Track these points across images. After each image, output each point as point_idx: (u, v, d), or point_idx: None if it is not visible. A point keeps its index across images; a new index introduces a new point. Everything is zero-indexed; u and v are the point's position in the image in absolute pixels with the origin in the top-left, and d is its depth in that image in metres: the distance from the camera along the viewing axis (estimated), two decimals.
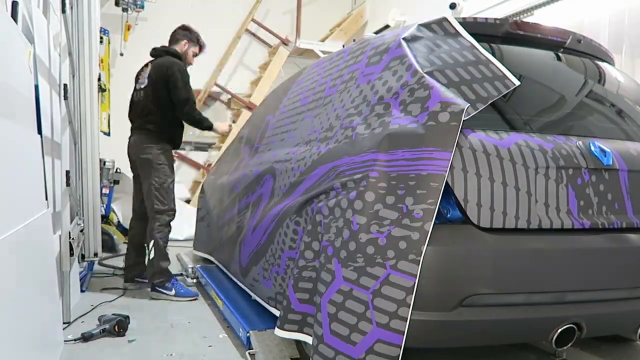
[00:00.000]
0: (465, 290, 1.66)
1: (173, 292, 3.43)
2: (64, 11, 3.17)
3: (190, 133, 7.21)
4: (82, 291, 3.53)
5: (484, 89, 1.81)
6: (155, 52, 3.67)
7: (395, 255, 1.61)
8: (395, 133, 1.77)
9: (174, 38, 3.72)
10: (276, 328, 1.98)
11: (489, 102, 1.76)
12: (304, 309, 1.89)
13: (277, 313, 2.27)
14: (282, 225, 2.20)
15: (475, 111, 1.73)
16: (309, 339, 1.88)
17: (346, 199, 1.78)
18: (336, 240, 1.75)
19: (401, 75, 1.90)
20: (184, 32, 3.72)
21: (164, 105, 3.48)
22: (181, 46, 3.68)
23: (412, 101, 1.80)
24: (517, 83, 1.82)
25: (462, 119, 1.66)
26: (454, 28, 2.05)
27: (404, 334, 1.59)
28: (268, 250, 2.36)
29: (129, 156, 3.65)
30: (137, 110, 3.59)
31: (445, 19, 2.09)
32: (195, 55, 3.78)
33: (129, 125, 3.66)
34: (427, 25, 2.10)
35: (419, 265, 1.58)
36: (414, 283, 1.58)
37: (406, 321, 1.58)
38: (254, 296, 2.66)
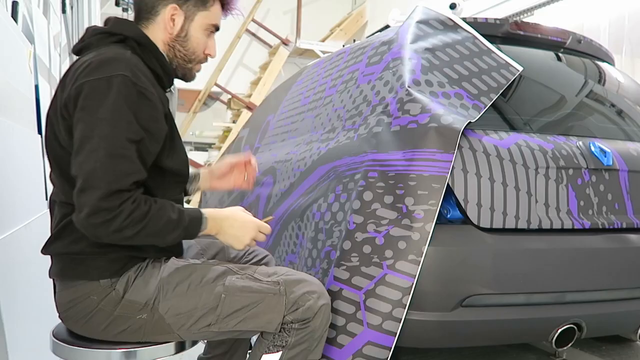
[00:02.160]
0: (465, 290, 1.66)
1: None
2: (64, 11, 3.17)
3: (190, 133, 7.19)
4: None
5: (492, 78, 1.84)
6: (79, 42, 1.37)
7: (393, 255, 1.59)
8: (395, 134, 1.77)
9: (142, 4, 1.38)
10: None
11: (501, 91, 1.82)
12: None
13: None
14: (288, 228, 2.20)
15: (491, 101, 1.78)
16: None
17: (349, 201, 1.77)
18: (338, 244, 1.74)
19: (405, 80, 1.90)
20: None
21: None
22: (163, 23, 1.36)
23: (411, 100, 1.79)
24: (521, 69, 1.89)
25: (463, 126, 1.66)
26: (452, 21, 2.06)
27: (395, 336, 1.55)
28: (275, 252, 2.35)
29: None
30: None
31: (441, 15, 2.10)
32: (213, 30, 1.46)
33: None
34: (426, 22, 2.10)
35: (419, 265, 1.56)
36: (412, 284, 1.56)
37: (400, 322, 1.55)
38: None
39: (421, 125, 1.72)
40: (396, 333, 1.55)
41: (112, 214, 1.13)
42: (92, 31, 1.34)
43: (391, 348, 1.55)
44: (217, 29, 1.47)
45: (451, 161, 1.63)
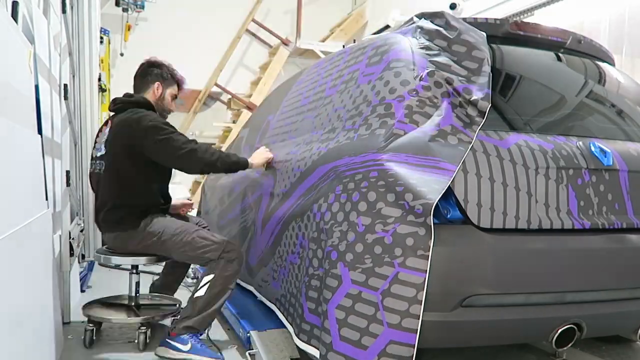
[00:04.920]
0: (466, 290, 1.66)
1: (189, 345, 2.41)
2: (64, 11, 3.17)
3: (190, 133, 7.19)
4: (82, 291, 3.53)
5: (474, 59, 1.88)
6: (116, 105, 2.63)
7: (402, 252, 1.60)
8: (399, 137, 1.77)
9: (142, 82, 2.67)
10: (294, 336, 1.98)
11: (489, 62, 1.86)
12: (311, 320, 1.87)
13: (280, 315, 2.26)
14: (289, 228, 2.20)
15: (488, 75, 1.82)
16: (315, 352, 1.83)
17: (349, 201, 1.77)
18: (340, 244, 1.73)
19: (407, 80, 1.89)
20: (154, 71, 2.66)
21: (128, 178, 2.51)
22: (153, 92, 2.65)
23: (421, 113, 1.81)
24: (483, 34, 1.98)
25: (470, 147, 1.69)
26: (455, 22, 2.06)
27: (417, 333, 1.56)
28: (276, 252, 2.35)
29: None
30: (102, 194, 2.60)
31: (443, 14, 2.10)
32: (175, 97, 2.75)
33: None
34: (429, 25, 2.10)
35: (428, 260, 1.57)
36: (425, 279, 1.56)
37: (419, 319, 1.56)
38: (259, 297, 2.65)
39: (429, 135, 1.74)
40: (417, 330, 1.56)
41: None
42: (122, 100, 2.66)
43: (415, 345, 1.56)
44: (176, 97, 2.79)
45: (454, 171, 1.64)
